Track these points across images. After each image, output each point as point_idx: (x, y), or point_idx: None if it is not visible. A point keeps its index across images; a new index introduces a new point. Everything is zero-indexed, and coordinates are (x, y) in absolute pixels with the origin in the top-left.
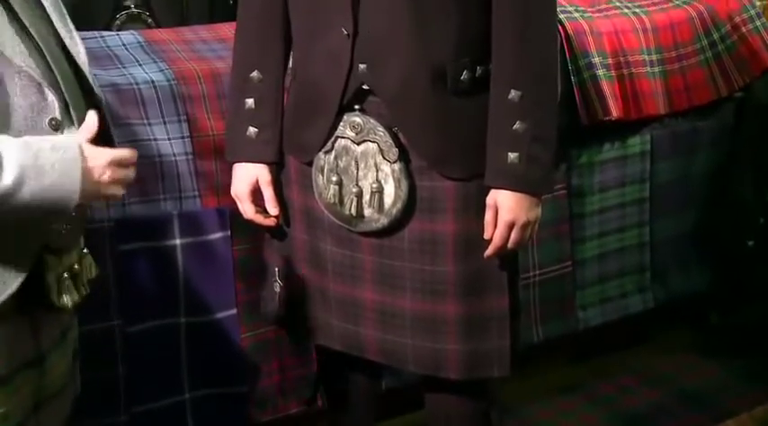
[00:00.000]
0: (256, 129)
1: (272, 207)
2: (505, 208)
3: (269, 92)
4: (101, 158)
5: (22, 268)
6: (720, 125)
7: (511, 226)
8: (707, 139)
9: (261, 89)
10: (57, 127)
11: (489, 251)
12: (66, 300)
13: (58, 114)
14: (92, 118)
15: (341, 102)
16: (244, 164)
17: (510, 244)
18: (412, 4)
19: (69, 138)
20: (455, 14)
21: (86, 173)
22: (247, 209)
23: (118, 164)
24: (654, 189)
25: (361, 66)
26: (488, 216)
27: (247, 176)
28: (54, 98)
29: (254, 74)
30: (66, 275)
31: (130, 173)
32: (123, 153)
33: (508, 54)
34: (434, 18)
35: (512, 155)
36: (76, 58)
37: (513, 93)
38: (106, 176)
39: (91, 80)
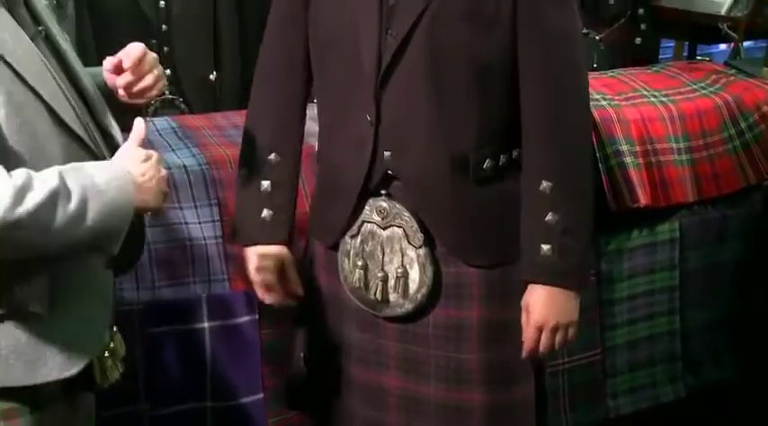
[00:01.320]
0: (271, 212)
1: (299, 288)
2: (536, 310)
3: (286, 174)
4: (153, 161)
5: (92, 346)
6: (750, 213)
7: (540, 329)
8: (736, 227)
9: (278, 172)
10: None
11: (524, 354)
12: (110, 378)
13: None
14: (140, 125)
15: (365, 187)
16: (259, 247)
17: (542, 348)
18: (433, 93)
19: (112, 157)
20: (477, 103)
21: (136, 182)
22: (277, 296)
23: (158, 161)
24: (683, 276)
25: (386, 154)
26: (523, 318)
27: (269, 259)
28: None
29: (272, 156)
30: (107, 354)
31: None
32: (155, 154)
33: (538, 144)
34: (456, 106)
35: (545, 248)
36: (114, 136)
37: (545, 184)
38: (160, 175)
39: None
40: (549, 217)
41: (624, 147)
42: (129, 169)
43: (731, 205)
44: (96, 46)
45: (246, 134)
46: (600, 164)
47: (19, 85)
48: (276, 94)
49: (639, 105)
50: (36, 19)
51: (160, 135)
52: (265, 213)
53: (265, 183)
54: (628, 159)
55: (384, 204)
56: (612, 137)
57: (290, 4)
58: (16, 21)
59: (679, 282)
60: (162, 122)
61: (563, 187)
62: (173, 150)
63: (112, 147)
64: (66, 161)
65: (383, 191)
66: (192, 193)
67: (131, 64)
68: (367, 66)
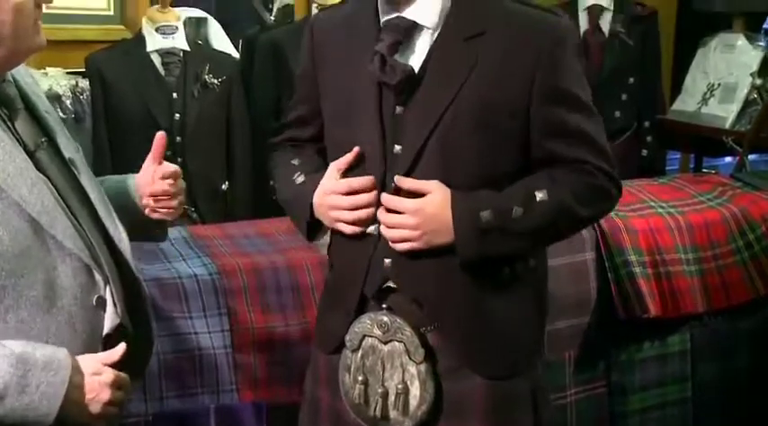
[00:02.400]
0: (300, 176)
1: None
2: (430, 202)
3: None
4: (103, 378)
5: None
6: (761, 324)
7: (412, 211)
8: (747, 338)
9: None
10: (103, 305)
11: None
12: None
13: (103, 292)
14: (121, 348)
15: (361, 296)
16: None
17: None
18: None
19: (66, 359)
20: None
21: (74, 395)
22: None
23: (119, 386)
24: (696, 388)
25: (386, 261)
26: (420, 186)
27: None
28: (100, 278)
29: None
30: None
31: (127, 395)
32: (125, 377)
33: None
34: None
35: (484, 213)
36: (119, 245)
37: (540, 195)
38: (103, 395)
39: (133, 267)
40: (533, 195)
41: (633, 257)
42: (72, 378)
43: (741, 316)
44: (112, 156)
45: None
46: (609, 274)
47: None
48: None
49: (647, 216)
50: (44, 129)
51: (172, 244)
52: (299, 179)
53: (295, 162)
54: (637, 269)
55: (385, 318)
56: (621, 247)
57: (303, 108)
58: (16, 132)
59: (692, 394)
60: (174, 232)
61: (553, 198)
62: (184, 259)
63: (115, 253)
64: (48, 278)
65: (384, 305)
66: (202, 302)
67: (168, 174)
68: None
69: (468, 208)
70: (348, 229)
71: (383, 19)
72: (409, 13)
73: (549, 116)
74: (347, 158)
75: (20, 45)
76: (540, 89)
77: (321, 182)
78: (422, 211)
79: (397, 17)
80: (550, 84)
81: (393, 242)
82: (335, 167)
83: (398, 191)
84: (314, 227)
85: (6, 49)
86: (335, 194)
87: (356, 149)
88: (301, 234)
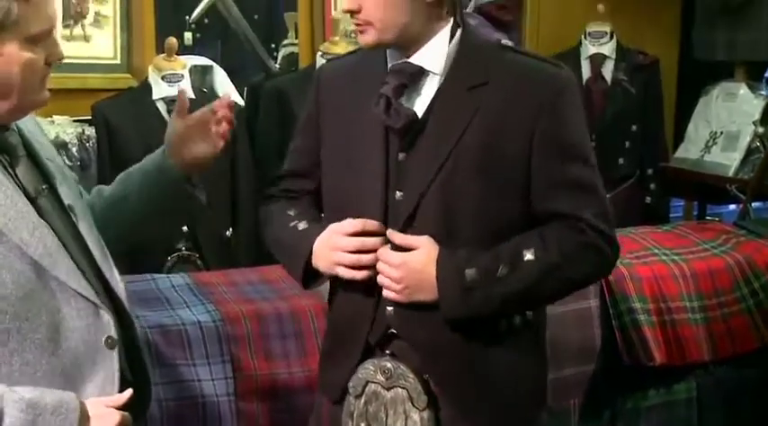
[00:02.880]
0: (302, 223)
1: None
2: (415, 258)
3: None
4: (109, 422)
5: None
6: (767, 372)
7: (396, 265)
8: (754, 387)
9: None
10: (112, 345)
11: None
12: None
13: (113, 333)
14: (128, 393)
15: (366, 343)
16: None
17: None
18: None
19: (74, 402)
20: None
21: None
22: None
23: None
24: None
25: (389, 309)
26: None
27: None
28: (109, 318)
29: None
30: None
31: None
32: (129, 419)
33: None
34: None
35: (469, 272)
36: (115, 290)
37: (528, 256)
38: None
39: (129, 312)
40: (519, 253)
41: (637, 305)
42: (80, 421)
43: (747, 364)
44: None
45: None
46: (613, 321)
47: (2, 245)
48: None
49: (651, 263)
50: (45, 176)
51: (176, 291)
52: (299, 226)
53: (291, 213)
54: (641, 317)
55: (388, 364)
56: (625, 295)
57: (300, 158)
58: (18, 178)
59: None
60: (178, 278)
61: (543, 258)
62: (187, 306)
63: (114, 301)
64: (53, 320)
65: (388, 351)
66: (205, 349)
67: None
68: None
69: (454, 266)
70: (347, 273)
71: (390, 64)
72: (416, 59)
73: (549, 167)
74: (367, 223)
75: (25, 99)
76: (540, 139)
77: (330, 226)
78: (405, 266)
79: (404, 62)
80: (551, 134)
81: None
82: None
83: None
84: (310, 275)
85: (12, 103)
86: (343, 234)
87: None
88: (296, 280)
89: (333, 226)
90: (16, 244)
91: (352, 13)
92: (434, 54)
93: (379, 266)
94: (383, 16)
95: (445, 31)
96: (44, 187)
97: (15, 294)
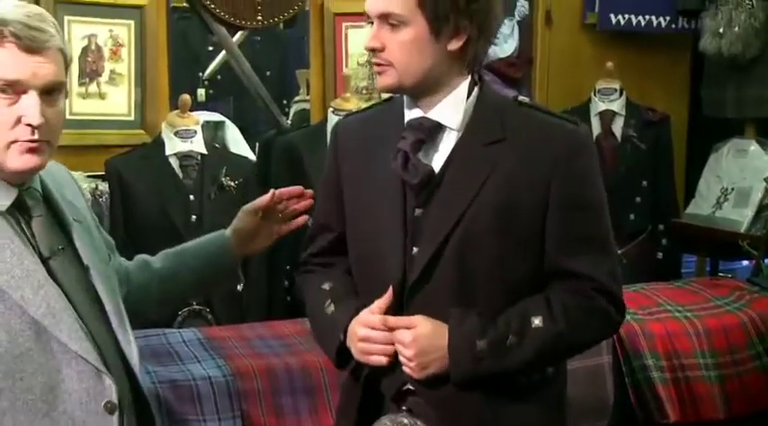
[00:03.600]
0: (332, 305)
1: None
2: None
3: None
4: None
5: None
6: None
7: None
8: None
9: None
10: (112, 410)
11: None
12: None
13: (114, 398)
14: None
15: (381, 398)
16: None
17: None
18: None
19: None
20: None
21: None
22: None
23: None
24: None
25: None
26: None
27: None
28: (111, 382)
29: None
30: None
31: None
32: None
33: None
34: None
35: (480, 343)
36: (129, 359)
37: (536, 322)
38: None
39: (140, 379)
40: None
41: (650, 362)
42: None
43: (762, 423)
44: (127, 255)
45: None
46: (626, 378)
47: (1, 303)
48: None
49: (664, 320)
50: (67, 235)
51: (186, 346)
52: (329, 309)
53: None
54: (654, 374)
55: (405, 420)
56: (638, 352)
57: (327, 215)
58: (33, 237)
59: None
60: (188, 333)
61: (551, 327)
62: (198, 361)
63: (124, 360)
64: (50, 381)
65: (404, 407)
66: (215, 405)
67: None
68: (389, 279)
69: (465, 339)
70: (373, 360)
71: (407, 118)
72: (434, 114)
73: (564, 223)
74: (387, 299)
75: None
76: (556, 196)
77: (359, 316)
78: (416, 343)
79: (422, 117)
80: (567, 191)
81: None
82: (377, 306)
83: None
84: (344, 355)
85: None
86: (367, 327)
87: (390, 290)
88: (332, 361)
89: (361, 318)
90: (17, 303)
91: (375, 51)
92: (452, 109)
93: (396, 346)
94: (405, 58)
95: (464, 85)
96: (61, 247)
97: (10, 352)
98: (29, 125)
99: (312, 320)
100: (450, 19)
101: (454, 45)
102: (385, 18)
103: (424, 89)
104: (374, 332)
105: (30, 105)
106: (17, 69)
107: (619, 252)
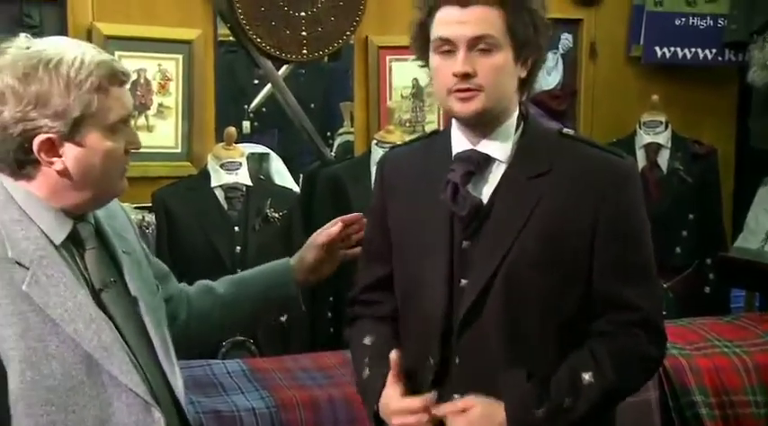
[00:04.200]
0: (368, 369)
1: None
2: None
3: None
4: None
5: None
6: None
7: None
8: None
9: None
10: None
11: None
12: None
13: None
14: None
15: None
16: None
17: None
18: (505, 341)
19: None
20: (552, 353)
21: None
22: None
23: None
24: None
25: (455, 397)
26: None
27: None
28: (160, 415)
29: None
30: None
31: None
32: None
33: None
34: (530, 356)
35: (538, 413)
36: (175, 391)
37: (587, 377)
38: None
39: (186, 411)
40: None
41: (699, 398)
42: None
43: None
44: None
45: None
46: (674, 414)
47: (55, 336)
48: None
49: (712, 355)
50: (117, 267)
51: (231, 377)
52: (366, 372)
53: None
54: (703, 411)
55: None
56: (686, 388)
57: (374, 250)
58: (85, 269)
59: None
60: (233, 364)
61: (599, 382)
62: (242, 393)
63: (171, 392)
64: (101, 414)
65: None
66: None
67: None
68: (434, 311)
69: (522, 409)
70: None
71: (456, 151)
72: (483, 147)
73: (611, 255)
74: (397, 375)
75: (105, 189)
76: (603, 228)
77: (391, 404)
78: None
79: (471, 150)
80: (614, 224)
81: None
82: (391, 380)
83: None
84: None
85: (91, 192)
86: (403, 415)
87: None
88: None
89: (390, 406)
90: (70, 336)
91: (467, 76)
92: (502, 142)
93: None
94: (497, 82)
95: (514, 117)
96: (112, 280)
97: (64, 385)
98: (133, 152)
99: (353, 375)
100: (529, 46)
101: (523, 72)
102: (476, 42)
103: (497, 115)
104: (412, 418)
105: (134, 132)
106: (128, 103)
107: (665, 285)
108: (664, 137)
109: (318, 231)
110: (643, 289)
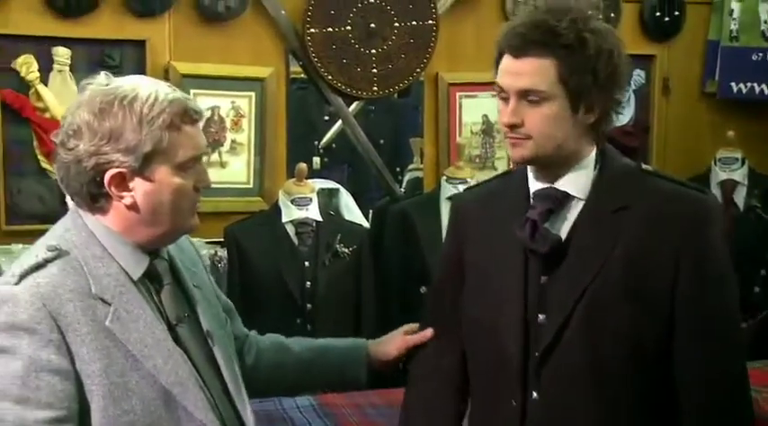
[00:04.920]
0: None
1: None
2: None
3: None
4: None
5: None
6: None
7: None
8: None
9: None
10: None
11: None
12: None
13: None
14: None
15: None
16: None
17: None
18: (589, 379)
19: None
20: (636, 389)
21: None
22: None
23: None
24: None
25: None
26: None
27: None
28: None
29: None
30: None
31: None
32: None
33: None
34: (613, 392)
35: None
36: (245, 421)
37: None
38: None
39: None
40: None
41: None
42: None
43: None
44: (243, 320)
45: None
46: None
47: (136, 372)
48: (430, 391)
49: None
50: (189, 302)
51: (300, 412)
52: None
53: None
54: None
55: None
56: None
57: (444, 295)
58: (161, 304)
59: None
60: (302, 400)
61: None
62: None
63: None
64: None
65: None
66: None
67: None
68: (511, 349)
69: None
70: None
71: (534, 189)
72: (561, 185)
73: (694, 296)
74: None
75: (175, 225)
76: (686, 268)
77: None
78: None
79: (550, 187)
80: (697, 263)
81: None
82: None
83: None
84: None
85: (162, 228)
86: None
87: None
88: None
89: None
90: (150, 372)
91: (514, 127)
92: (580, 179)
93: None
94: (544, 132)
95: (592, 156)
96: (186, 314)
97: (143, 421)
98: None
99: None
100: (589, 94)
101: (589, 119)
102: (525, 94)
103: (556, 160)
104: None
105: (205, 170)
106: (201, 143)
107: (743, 325)
108: (740, 174)
109: (411, 328)
110: (725, 335)
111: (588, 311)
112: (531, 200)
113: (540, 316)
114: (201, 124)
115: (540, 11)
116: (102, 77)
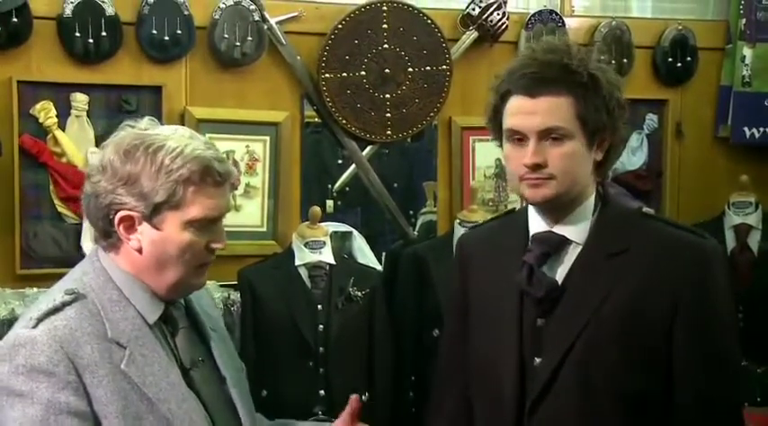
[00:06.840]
0: None
1: None
2: None
3: None
4: None
5: None
6: None
7: None
8: None
9: None
10: None
11: None
12: None
13: None
14: None
15: None
16: None
17: None
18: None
19: None
20: None
21: None
22: None
23: None
24: None
25: None
26: None
27: None
28: None
29: None
30: None
31: None
32: None
33: None
34: None
35: None
36: None
37: None
38: None
39: None
40: None
41: None
42: None
43: None
44: (256, 365)
45: None
46: None
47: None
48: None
49: None
50: (205, 346)
51: None
52: None
53: None
54: None
55: None
56: None
57: (456, 333)
58: (176, 348)
59: None
60: None
61: None
62: None
63: None
64: None
65: None
66: None
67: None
68: (507, 392)
69: None
70: None
71: (533, 232)
72: (560, 229)
73: (692, 341)
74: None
75: (181, 279)
76: (684, 313)
77: None
78: None
79: (548, 231)
80: (695, 308)
81: None
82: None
83: None
84: None
85: (168, 279)
86: None
87: None
88: None
89: None
90: (164, 415)
91: (538, 167)
92: (579, 223)
93: None
94: (568, 170)
95: (592, 199)
96: (201, 359)
97: None
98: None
99: None
100: (603, 130)
101: (599, 155)
102: (547, 133)
103: (572, 199)
104: None
105: (221, 232)
106: (222, 205)
107: (758, 370)
108: (754, 218)
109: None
110: (724, 380)
111: (581, 355)
112: (530, 243)
113: (537, 359)
114: (228, 189)
115: (544, 51)
116: (146, 122)
